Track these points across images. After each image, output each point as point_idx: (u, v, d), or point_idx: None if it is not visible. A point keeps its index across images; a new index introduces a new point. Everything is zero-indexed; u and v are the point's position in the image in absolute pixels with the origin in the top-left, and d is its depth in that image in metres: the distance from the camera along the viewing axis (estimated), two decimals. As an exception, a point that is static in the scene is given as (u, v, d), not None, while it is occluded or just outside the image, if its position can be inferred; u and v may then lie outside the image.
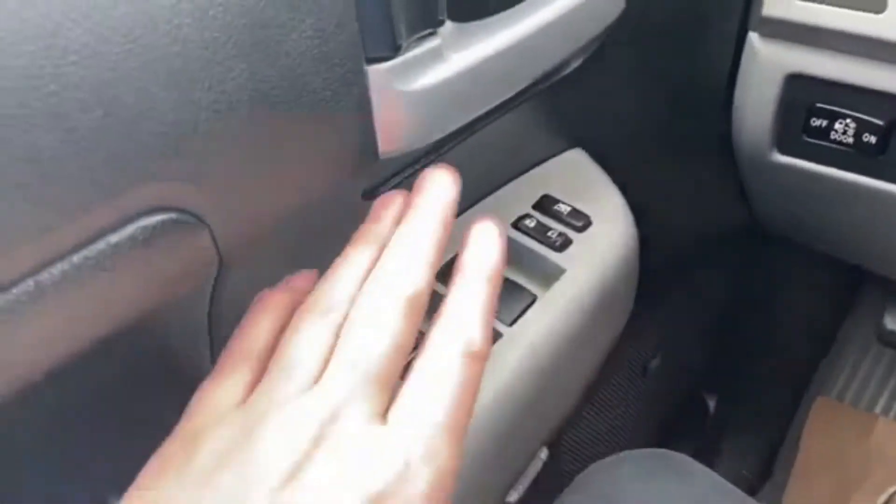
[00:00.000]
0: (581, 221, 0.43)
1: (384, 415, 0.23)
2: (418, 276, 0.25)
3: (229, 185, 0.24)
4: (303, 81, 0.25)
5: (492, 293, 0.25)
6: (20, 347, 0.22)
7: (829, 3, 0.42)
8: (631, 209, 0.46)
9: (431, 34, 0.28)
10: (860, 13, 0.41)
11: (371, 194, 0.35)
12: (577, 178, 0.47)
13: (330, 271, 0.26)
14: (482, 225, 0.27)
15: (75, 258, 0.21)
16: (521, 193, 0.45)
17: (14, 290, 0.20)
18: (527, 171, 0.47)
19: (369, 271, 0.25)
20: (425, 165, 0.36)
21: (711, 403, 0.91)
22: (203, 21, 0.22)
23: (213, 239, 0.24)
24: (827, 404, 0.87)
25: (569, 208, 0.44)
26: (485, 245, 0.26)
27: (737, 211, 0.64)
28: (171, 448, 0.24)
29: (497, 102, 0.33)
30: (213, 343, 0.31)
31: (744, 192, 0.59)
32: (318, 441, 0.22)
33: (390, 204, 0.28)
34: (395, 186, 0.36)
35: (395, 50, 0.27)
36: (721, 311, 0.87)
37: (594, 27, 0.36)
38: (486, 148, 0.41)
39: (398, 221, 0.27)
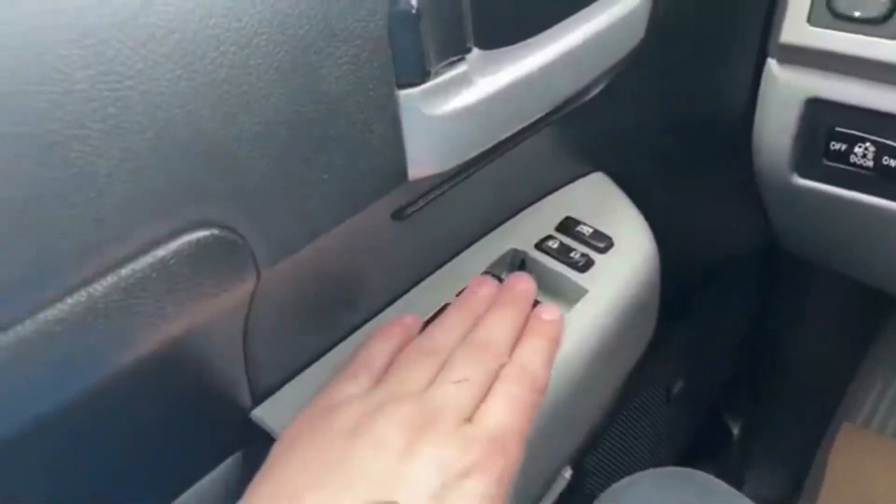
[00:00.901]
0: (603, 242, 0.44)
1: (471, 419, 0.32)
2: (500, 344, 0.35)
3: (268, 204, 0.25)
4: (337, 106, 0.26)
5: (554, 348, 0.37)
6: (72, 357, 0.23)
7: (844, 30, 0.43)
8: (652, 231, 0.47)
9: (459, 60, 0.29)
10: (876, 39, 0.42)
11: (399, 215, 0.36)
12: (599, 200, 0.48)
13: (437, 324, 0.37)
14: (548, 305, 0.39)
15: (124, 271, 0.22)
16: (544, 215, 0.46)
17: (68, 300, 0.22)
18: (550, 193, 0.48)
19: (466, 332, 0.36)
20: (452, 188, 0.38)
21: (735, 428, 0.90)
22: (247, 49, 0.23)
23: (252, 255, 0.26)
24: (852, 431, 0.86)
25: (591, 230, 0.45)
26: (550, 316, 0.38)
27: (759, 233, 0.64)
28: (312, 413, 0.32)
29: (521, 126, 0.34)
30: (246, 355, 0.32)
31: (766, 214, 0.60)
32: (422, 431, 0.30)
33: (484, 286, 0.39)
34: (422, 208, 0.37)
35: (425, 76, 0.28)
36: (745, 334, 0.87)
37: (614, 54, 0.38)
38: (511, 171, 0.42)
39: (489, 302, 0.38)
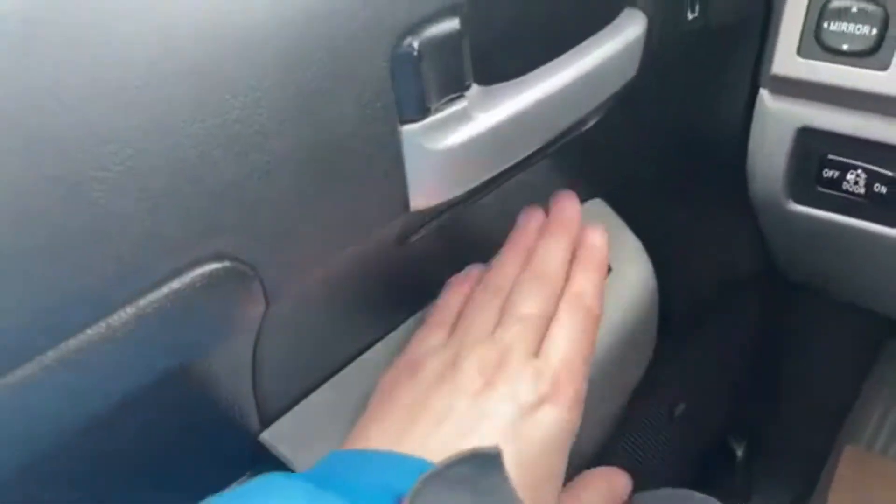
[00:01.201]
0: (601, 269, 0.45)
1: (537, 353, 0.35)
2: (554, 274, 0.38)
3: (277, 237, 0.27)
4: (343, 142, 0.28)
5: (602, 275, 0.39)
6: (88, 384, 0.24)
7: (833, 62, 0.44)
8: (651, 257, 0.48)
9: (459, 97, 0.31)
10: (865, 71, 0.43)
11: (402, 242, 0.37)
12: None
13: (496, 263, 0.40)
14: (593, 228, 0.41)
15: (142, 302, 0.24)
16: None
17: (88, 332, 0.23)
18: (549, 220, 0.49)
19: (523, 264, 0.39)
20: (453, 216, 0.39)
21: (739, 450, 0.90)
22: (258, 91, 0.24)
23: (262, 285, 0.27)
24: (855, 454, 0.86)
25: (589, 256, 0.46)
26: (596, 242, 0.40)
27: (758, 258, 0.65)
28: (399, 368, 0.37)
29: (520, 158, 0.36)
30: (255, 380, 0.33)
31: (764, 239, 0.61)
32: (497, 368, 0.34)
33: (533, 218, 0.41)
34: (425, 236, 0.38)
35: (426, 112, 0.30)
36: (747, 357, 0.87)
37: (610, 88, 0.39)
38: (511, 200, 0.43)
39: (539, 233, 0.41)
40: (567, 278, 0.38)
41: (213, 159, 0.24)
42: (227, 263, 0.25)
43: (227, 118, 0.24)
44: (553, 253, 0.39)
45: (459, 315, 0.39)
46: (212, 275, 0.25)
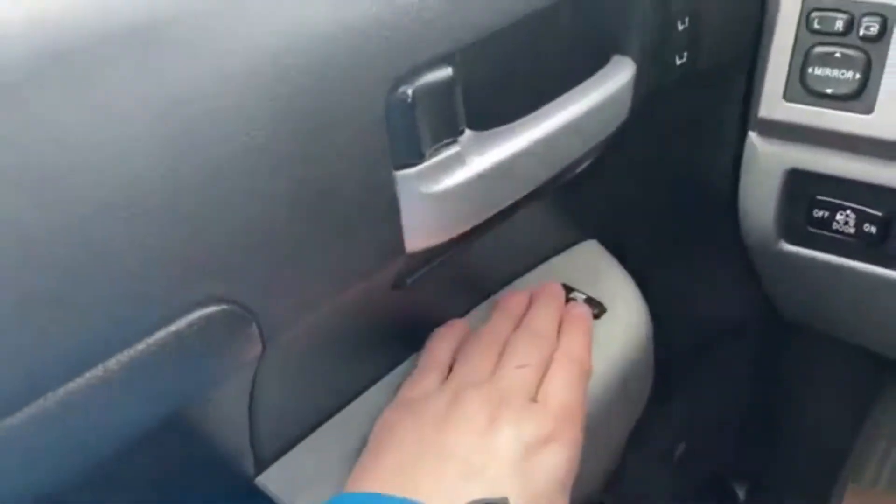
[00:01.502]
0: (596, 309, 0.46)
1: (535, 399, 0.37)
2: (547, 332, 0.41)
3: (274, 280, 0.27)
4: (339, 187, 0.28)
5: (589, 337, 0.42)
6: (89, 427, 0.24)
7: (819, 106, 0.45)
8: (646, 297, 0.49)
9: (452, 142, 0.32)
10: (850, 114, 0.44)
11: (398, 285, 0.38)
12: (592, 267, 0.49)
13: (488, 325, 0.42)
14: (577, 303, 0.45)
15: (139, 346, 0.24)
16: (538, 283, 0.48)
17: (86, 375, 0.23)
18: (543, 261, 0.49)
19: (514, 326, 0.41)
20: (449, 259, 0.39)
21: (741, 492, 0.89)
22: (254, 138, 0.25)
23: (259, 328, 0.27)
24: (859, 493, 0.86)
25: (584, 296, 0.46)
26: (581, 312, 0.43)
27: (754, 297, 0.65)
28: (398, 409, 0.37)
29: (513, 201, 0.36)
30: (252, 424, 0.33)
31: (759, 278, 0.61)
32: (499, 410, 0.35)
33: (519, 293, 0.44)
34: (420, 279, 0.38)
35: (420, 157, 0.30)
36: (746, 397, 0.87)
37: (601, 132, 0.40)
38: (505, 241, 0.44)
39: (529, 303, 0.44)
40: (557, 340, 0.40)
41: (210, 204, 0.24)
42: (224, 307, 0.26)
43: (224, 164, 0.25)
44: (545, 315, 0.42)
45: (452, 362, 0.39)
46: (209, 318, 0.25)
